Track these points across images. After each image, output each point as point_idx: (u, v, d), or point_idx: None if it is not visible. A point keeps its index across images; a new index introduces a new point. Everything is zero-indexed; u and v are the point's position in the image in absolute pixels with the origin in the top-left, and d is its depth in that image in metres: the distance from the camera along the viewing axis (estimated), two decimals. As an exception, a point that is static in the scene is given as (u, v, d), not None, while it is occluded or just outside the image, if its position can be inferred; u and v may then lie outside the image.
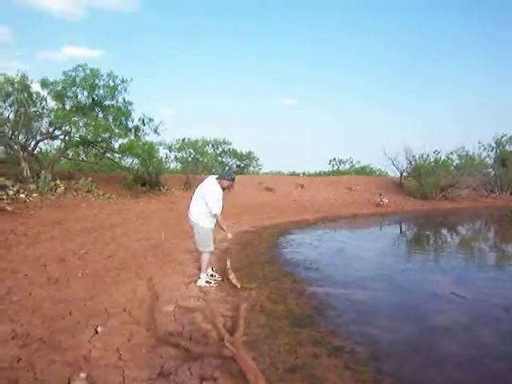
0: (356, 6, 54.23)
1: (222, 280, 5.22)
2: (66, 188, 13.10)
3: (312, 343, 3.52)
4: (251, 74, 59.43)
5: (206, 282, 5.07)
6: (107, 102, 14.85)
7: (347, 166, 34.05)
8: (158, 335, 3.41)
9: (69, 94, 14.06)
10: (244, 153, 29.74)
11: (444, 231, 13.74)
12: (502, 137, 28.60)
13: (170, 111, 50.84)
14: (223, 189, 4.99)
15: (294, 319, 4.09)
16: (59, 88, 13.86)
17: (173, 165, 23.88)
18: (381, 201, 19.32)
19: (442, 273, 6.85)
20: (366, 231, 12.90)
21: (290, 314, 4.23)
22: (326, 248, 8.70)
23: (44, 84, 13.92)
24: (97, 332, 3.37)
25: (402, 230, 14.20)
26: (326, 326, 3.99)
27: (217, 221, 4.98)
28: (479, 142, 28.35)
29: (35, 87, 14.06)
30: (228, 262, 5.50)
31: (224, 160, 28.97)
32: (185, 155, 19.86)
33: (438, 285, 5.88)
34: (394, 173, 26.91)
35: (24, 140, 14.21)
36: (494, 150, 28.78)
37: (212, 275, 5.30)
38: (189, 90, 58.85)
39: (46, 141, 15.71)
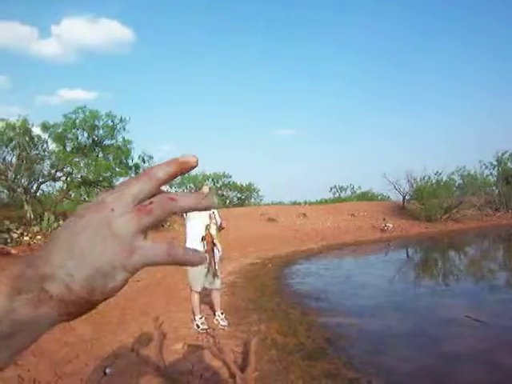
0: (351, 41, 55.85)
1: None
2: (69, 229, 13.08)
3: (326, 377, 3.41)
4: (249, 106, 60.50)
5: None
6: (107, 142, 15.11)
7: (348, 193, 34.05)
8: (167, 375, 3.31)
9: (69, 135, 14.32)
10: (244, 185, 29.86)
11: (452, 253, 13.58)
12: (503, 154, 28.43)
13: (169, 147, 51.45)
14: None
15: (306, 352, 3.98)
16: (60, 130, 14.13)
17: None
18: (385, 226, 19.18)
19: (453, 296, 6.71)
20: (372, 258, 12.75)
21: (301, 347, 4.12)
22: (333, 277, 8.58)
23: (45, 127, 14.20)
24: (105, 374, 3.28)
25: (409, 254, 14.04)
26: (339, 357, 3.88)
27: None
28: (480, 161, 28.16)
29: (36, 131, 14.37)
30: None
31: (225, 193, 29.07)
32: (185, 190, 19.99)
33: (450, 309, 5.75)
34: (396, 197, 26.80)
35: (26, 183, 14.35)
36: (496, 168, 28.61)
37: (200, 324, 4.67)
38: (186, 125, 59.69)
39: (48, 183, 15.86)
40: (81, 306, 0.34)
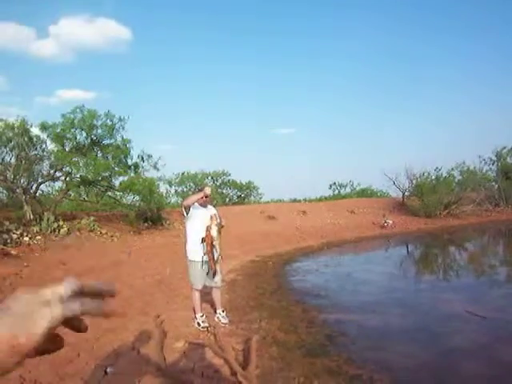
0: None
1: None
2: (68, 228, 13.06)
3: (328, 373, 3.41)
4: (250, 105, 60.27)
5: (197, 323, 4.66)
6: (106, 141, 15.06)
7: (348, 190, 33.99)
8: (168, 373, 3.31)
9: (68, 135, 14.27)
10: (244, 183, 29.81)
11: (452, 249, 13.59)
12: (502, 149, 28.32)
13: (168, 146, 51.27)
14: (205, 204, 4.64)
15: (306, 349, 3.99)
16: (58, 130, 14.08)
17: (173, 199, 24.01)
18: (385, 222, 19.19)
19: (454, 292, 6.72)
20: (372, 254, 12.76)
21: (302, 344, 4.13)
22: (334, 274, 8.59)
23: (43, 127, 14.13)
24: (106, 373, 3.28)
25: (409, 250, 14.06)
26: (340, 354, 3.88)
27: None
28: (480, 157, 28.14)
29: (35, 131, 14.30)
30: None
31: (224, 191, 29.03)
32: (185, 189, 19.94)
33: (451, 305, 5.75)
34: (396, 193, 26.78)
35: (26, 183, 14.31)
36: (495, 164, 28.55)
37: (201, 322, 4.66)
38: (185, 124, 59.50)
39: (47, 183, 15.81)
40: (11, 354, 0.44)
